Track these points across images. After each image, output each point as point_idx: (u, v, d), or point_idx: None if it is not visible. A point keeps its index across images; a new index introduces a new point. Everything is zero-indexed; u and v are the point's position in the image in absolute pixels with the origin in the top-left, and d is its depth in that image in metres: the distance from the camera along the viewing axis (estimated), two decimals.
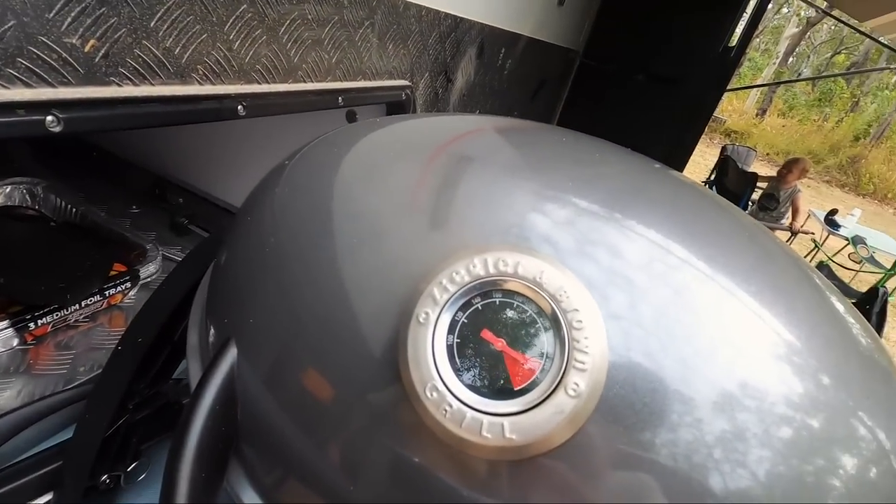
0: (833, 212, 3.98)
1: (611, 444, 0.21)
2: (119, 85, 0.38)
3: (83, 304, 0.71)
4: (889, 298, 3.16)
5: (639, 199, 0.30)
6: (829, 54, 14.52)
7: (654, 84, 1.81)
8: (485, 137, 0.37)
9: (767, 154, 10.47)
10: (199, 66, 0.45)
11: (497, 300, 0.23)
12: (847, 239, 3.70)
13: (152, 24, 0.39)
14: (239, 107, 0.49)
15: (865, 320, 0.32)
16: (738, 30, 1.62)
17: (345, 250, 0.28)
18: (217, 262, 0.39)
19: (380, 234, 0.28)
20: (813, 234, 3.74)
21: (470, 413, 0.21)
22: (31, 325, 0.65)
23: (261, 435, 0.28)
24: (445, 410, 0.21)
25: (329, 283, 0.27)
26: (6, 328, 0.63)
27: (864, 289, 3.23)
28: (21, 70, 0.32)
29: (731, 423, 0.21)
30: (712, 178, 4.23)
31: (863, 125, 11.71)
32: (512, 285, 0.22)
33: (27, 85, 0.33)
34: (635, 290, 0.24)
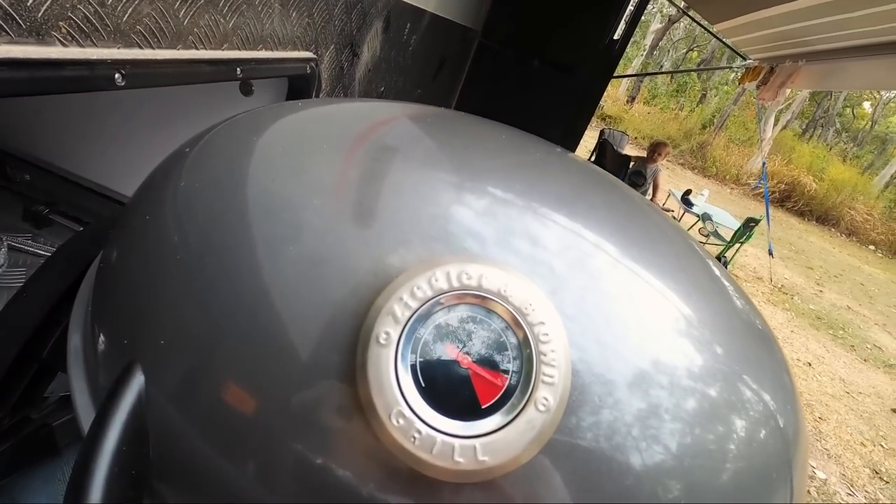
0: (688, 192, 4.57)
1: (576, 455, 0.21)
2: None
3: None
4: (728, 266, 3.75)
5: (579, 203, 0.31)
6: (684, 50, 16.42)
7: (548, 70, 1.89)
8: (415, 130, 0.35)
9: (635, 138, 11.65)
10: (61, 23, 0.36)
11: (461, 315, 0.22)
12: (698, 216, 4.29)
13: None
14: (116, 75, 0.41)
15: (742, 289, 0.37)
16: (622, 24, 1.75)
17: (274, 256, 0.25)
18: (104, 266, 0.32)
19: (317, 236, 0.25)
20: (673, 211, 4.27)
21: (440, 438, 0.20)
22: None
23: (182, 474, 0.25)
24: (414, 437, 0.20)
25: (260, 297, 0.24)
26: None
27: None
28: None
29: (684, 420, 0.23)
30: (593, 158, 4.60)
31: (709, 115, 13.54)
32: (476, 299, 0.22)
33: None
34: (588, 295, 0.24)
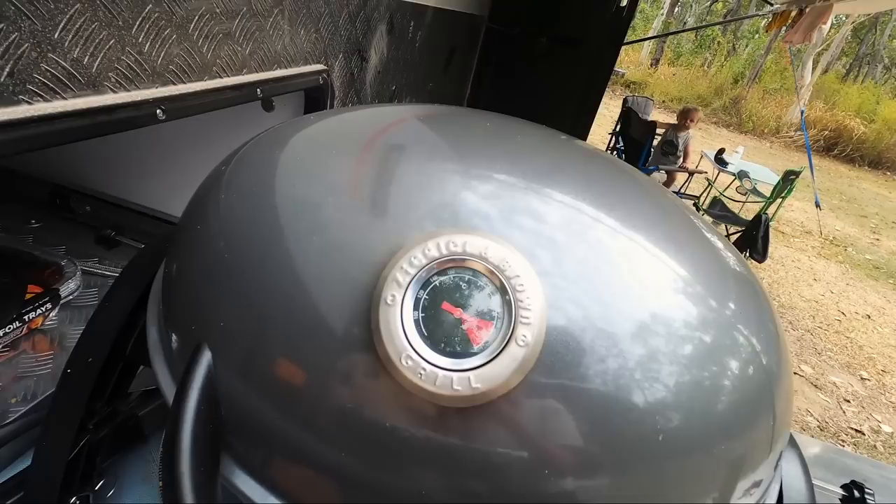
0: (721, 151, 4.41)
1: (555, 380, 0.26)
2: (29, 103, 0.37)
3: (0, 333, 0.66)
4: (771, 223, 3.62)
5: (556, 173, 0.35)
6: (708, 3, 15.65)
7: (557, 46, 1.89)
8: (418, 127, 0.40)
9: (663, 101, 11.26)
10: (110, 74, 0.43)
11: (451, 276, 0.27)
12: (734, 174, 4.14)
13: (56, 36, 0.37)
14: (157, 111, 0.48)
15: (733, 246, 0.40)
16: None
17: (302, 247, 0.31)
18: (168, 273, 0.39)
19: (334, 228, 0.31)
20: (706, 172, 4.14)
21: (441, 373, 0.25)
22: None
23: (247, 426, 0.31)
24: (420, 374, 0.25)
25: (293, 279, 0.30)
26: None
27: (750, 217, 3.68)
28: None
29: (643, 347, 0.27)
30: (618, 128, 4.51)
31: (739, 68, 12.89)
32: (462, 262, 0.26)
33: None
34: (560, 250, 0.29)
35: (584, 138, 1.99)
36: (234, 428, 0.31)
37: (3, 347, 0.68)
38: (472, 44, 2.08)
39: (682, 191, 4.10)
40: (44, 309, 0.72)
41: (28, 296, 0.72)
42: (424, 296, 0.26)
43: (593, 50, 1.79)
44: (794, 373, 3.01)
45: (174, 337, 0.36)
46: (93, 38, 0.40)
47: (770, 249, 3.84)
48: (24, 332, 0.71)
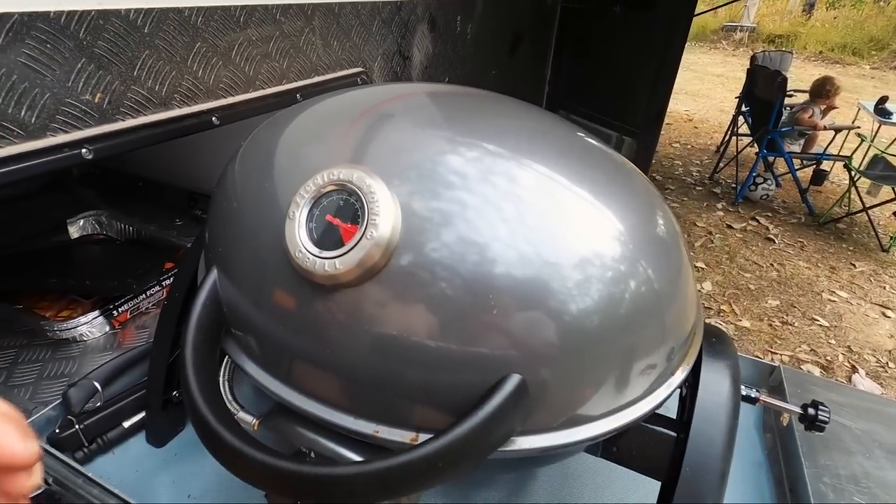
0: (883, 100, 3.68)
1: (407, 265, 0.36)
2: (122, 120, 0.56)
3: (148, 293, 0.93)
4: None
5: (460, 118, 0.44)
6: None
7: (631, 12, 1.83)
8: (360, 101, 0.52)
9: (821, 52, 9.60)
10: (175, 95, 0.62)
11: (334, 196, 0.38)
12: None
13: (135, 74, 0.56)
14: (213, 118, 0.67)
15: (658, 192, 0.45)
16: None
17: (264, 192, 0.44)
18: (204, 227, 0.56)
19: (276, 175, 0.44)
20: (858, 127, 3.51)
21: (318, 261, 0.36)
22: (115, 312, 0.88)
23: (236, 315, 0.45)
24: (305, 261, 0.37)
25: (254, 213, 0.44)
26: (98, 317, 0.86)
27: None
28: (59, 123, 0.50)
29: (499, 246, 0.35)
30: (744, 91, 4.04)
31: None
32: (339, 185, 0.38)
33: (65, 132, 0.51)
34: (414, 171, 0.38)
35: (665, 104, 1.88)
36: (230, 319, 0.46)
37: (151, 305, 0.96)
38: (546, 25, 2.10)
39: (826, 151, 3.53)
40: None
41: (165, 269, 0.99)
42: (317, 212, 0.38)
43: (667, 11, 1.70)
44: None
45: (204, 266, 0.53)
46: (160, 72, 0.59)
47: None
48: (163, 296, 0.98)
